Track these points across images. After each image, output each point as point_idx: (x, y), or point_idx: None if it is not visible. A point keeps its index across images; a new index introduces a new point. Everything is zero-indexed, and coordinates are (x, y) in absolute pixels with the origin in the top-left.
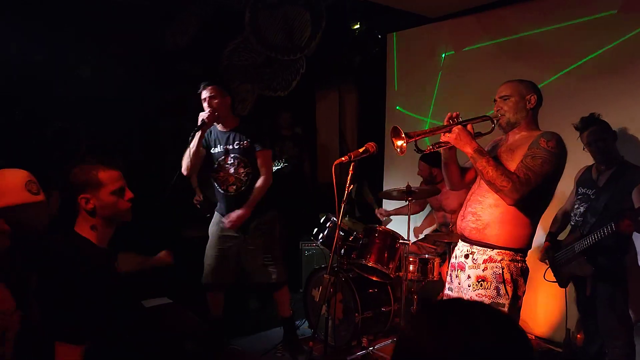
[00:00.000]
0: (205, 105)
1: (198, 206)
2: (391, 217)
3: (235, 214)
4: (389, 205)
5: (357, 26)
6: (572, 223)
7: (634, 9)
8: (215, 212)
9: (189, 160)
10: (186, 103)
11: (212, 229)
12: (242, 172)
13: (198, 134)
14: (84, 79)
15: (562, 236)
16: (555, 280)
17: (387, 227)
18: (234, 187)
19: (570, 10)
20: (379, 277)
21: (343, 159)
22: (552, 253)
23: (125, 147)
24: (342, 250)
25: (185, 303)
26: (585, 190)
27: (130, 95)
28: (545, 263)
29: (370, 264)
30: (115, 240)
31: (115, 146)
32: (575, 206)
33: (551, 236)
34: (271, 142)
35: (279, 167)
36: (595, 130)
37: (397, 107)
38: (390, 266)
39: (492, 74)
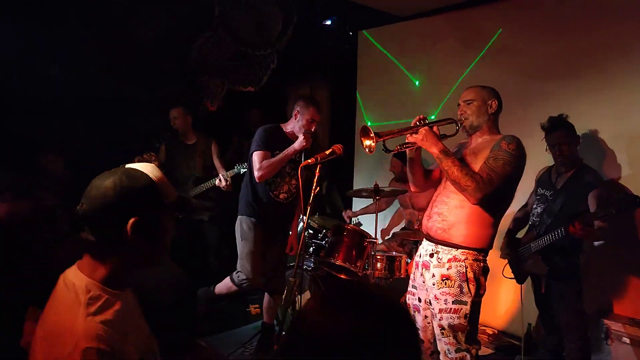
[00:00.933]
0: (309, 126)
1: None
2: (359, 217)
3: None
4: (358, 203)
5: (329, 22)
6: (530, 222)
7: (596, 14)
8: (246, 217)
9: (275, 169)
10: (155, 99)
11: (250, 233)
12: (294, 185)
13: (290, 151)
14: (47, 76)
15: (521, 234)
16: (513, 276)
17: (355, 225)
18: (285, 195)
19: (536, 13)
20: (347, 276)
21: (309, 161)
22: (510, 250)
23: (91, 145)
24: (311, 248)
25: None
26: (544, 192)
27: (95, 92)
28: (502, 260)
29: (338, 263)
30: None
31: (81, 144)
32: (534, 206)
33: (510, 234)
34: None
35: (246, 169)
36: (561, 134)
37: (366, 120)
38: (358, 264)
39: (458, 74)
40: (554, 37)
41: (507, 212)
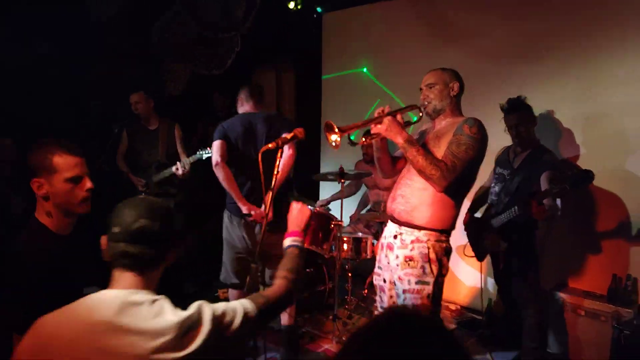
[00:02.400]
0: None
1: (142, 192)
2: (330, 204)
3: None
4: (325, 186)
5: (293, 4)
6: (489, 201)
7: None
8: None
9: None
10: (113, 80)
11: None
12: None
13: None
14: None
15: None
16: (474, 255)
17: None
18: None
19: None
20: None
21: (270, 145)
22: (470, 229)
23: (49, 128)
24: None
25: None
26: (502, 171)
27: (51, 74)
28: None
29: (305, 246)
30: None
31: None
32: (492, 185)
33: (471, 212)
34: None
35: (210, 154)
36: (519, 115)
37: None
38: (325, 247)
39: (423, 57)
40: (515, 21)
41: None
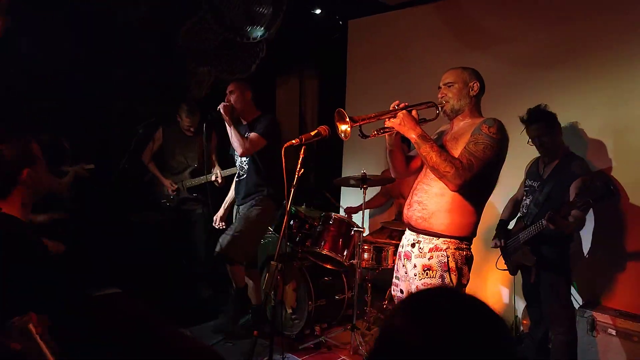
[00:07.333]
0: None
1: (172, 196)
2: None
3: None
4: (346, 192)
5: (318, 11)
6: (520, 214)
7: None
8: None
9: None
10: (137, 83)
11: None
12: (244, 161)
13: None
14: (26, 56)
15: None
16: (506, 268)
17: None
18: (238, 174)
19: (525, 2)
20: (333, 265)
21: (294, 141)
22: (501, 241)
23: (72, 128)
24: (297, 237)
25: (137, 289)
26: (532, 183)
27: (78, 74)
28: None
29: (324, 252)
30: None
31: (61, 127)
32: (524, 198)
33: (502, 224)
34: (268, 133)
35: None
36: (541, 126)
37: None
38: (345, 254)
39: (449, 63)
40: (543, 27)
41: (493, 200)
